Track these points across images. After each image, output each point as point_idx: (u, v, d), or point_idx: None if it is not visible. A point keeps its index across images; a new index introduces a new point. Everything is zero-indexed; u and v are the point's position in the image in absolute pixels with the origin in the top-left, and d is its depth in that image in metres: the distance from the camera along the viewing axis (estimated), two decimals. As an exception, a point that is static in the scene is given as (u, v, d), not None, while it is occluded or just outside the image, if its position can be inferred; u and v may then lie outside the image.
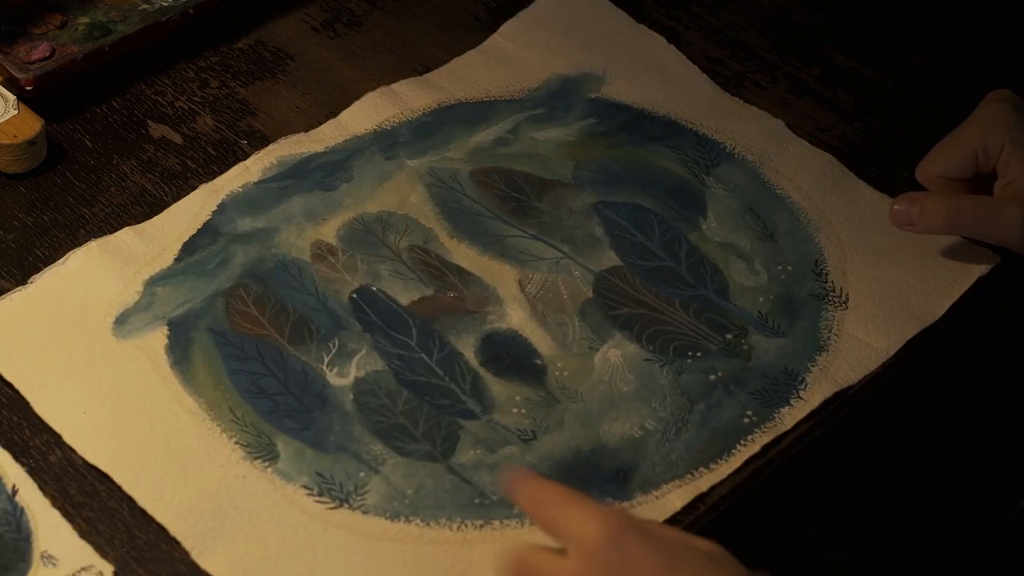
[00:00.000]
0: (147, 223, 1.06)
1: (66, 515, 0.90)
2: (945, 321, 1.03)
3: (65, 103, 1.13)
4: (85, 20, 1.14)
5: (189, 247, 1.04)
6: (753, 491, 0.95)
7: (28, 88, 1.09)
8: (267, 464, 0.93)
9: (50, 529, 0.90)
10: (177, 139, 1.12)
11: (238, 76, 1.17)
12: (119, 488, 0.92)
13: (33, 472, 0.92)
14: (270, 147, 1.11)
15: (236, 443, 0.94)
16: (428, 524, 0.91)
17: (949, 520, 1.25)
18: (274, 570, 0.89)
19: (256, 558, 0.89)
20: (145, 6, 1.15)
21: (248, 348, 0.99)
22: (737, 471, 0.95)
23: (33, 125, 1.07)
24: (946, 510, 1.25)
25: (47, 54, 1.11)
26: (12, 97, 1.08)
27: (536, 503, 0.85)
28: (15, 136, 1.06)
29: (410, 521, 0.91)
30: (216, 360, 0.98)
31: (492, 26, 1.21)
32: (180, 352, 0.98)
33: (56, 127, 1.12)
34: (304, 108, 1.14)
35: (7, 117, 1.07)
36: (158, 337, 0.99)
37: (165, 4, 1.15)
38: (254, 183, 1.08)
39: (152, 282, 1.02)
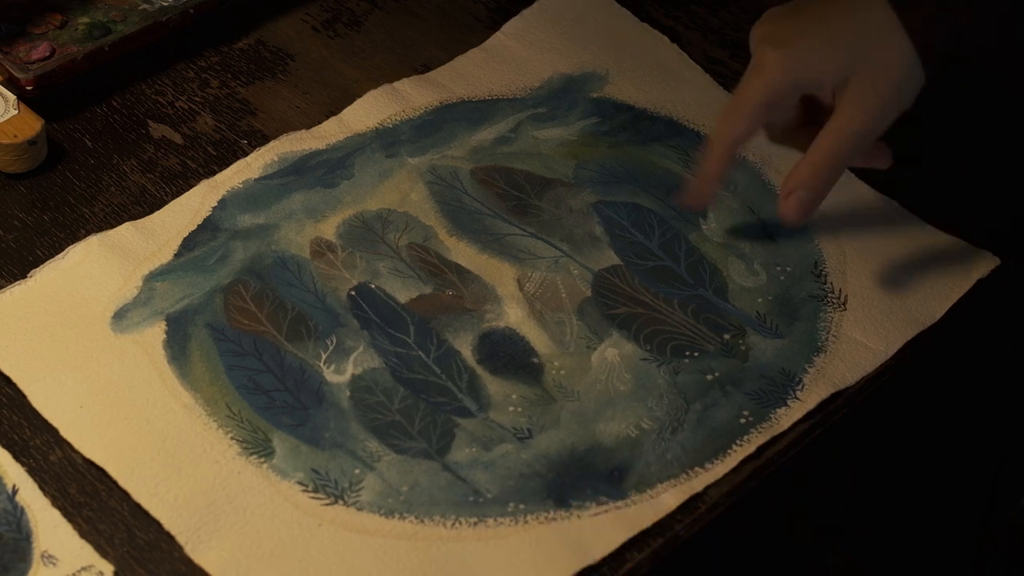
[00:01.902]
0: (147, 218, 1.06)
1: (66, 515, 0.91)
2: (944, 321, 1.03)
3: (65, 103, 1.13)
4: (85, 20, 1.15)
5: (189, 243, 1.05)
6: (753, 491, 0.95)
7: (28, 88, 1.10)
8: (262, 460, 0.93)
9: (50, 529, 0.90)
10: (177, 139, 1.12)
11: (238, 76, 1.17)
12: (119, 488, 0.92)
13: (33, 472, 0.92)
14: (271, 144, 1.11)
15: (232, 439, 0.94)
16: (422, 521, 0.91)
17: (949, 520, 1.25)
18: (268, 566, 0.89)
19: (250, 554, 0.89)
20: (145, 6, 1.15)
21: (246, 344, 0.99)
22: (737, 471, 0.95)
23: (33, 125, 1.07)
24: (946, 510, 1.25)
25: (47, 54, 1.12)
26: (12, 97, 1.08)
27: None
28: (15, 136, 1.07)
29: (404, 518, 0.91)
30: (213, 356, 0.98)
31: (492, 26, 1.21)
32: (178, 347, 0.98)
33: (56, 127, 1.12)
34: (304, 108, 1.14)
35: (7, 117, 1.07)
36: (156, 332, 0.99)
37: (165, 4, 1.16)
38: (255, 179, 1.09)
39: (151, 277, 1.02)
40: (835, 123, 0.97)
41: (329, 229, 1.06)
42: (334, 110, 1.14)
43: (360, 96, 1.15)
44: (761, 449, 0.96)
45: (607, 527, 0.92)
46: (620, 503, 0.93)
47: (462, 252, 1.05)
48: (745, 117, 0.98)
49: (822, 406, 0.98)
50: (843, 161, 0.98)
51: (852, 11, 0.96)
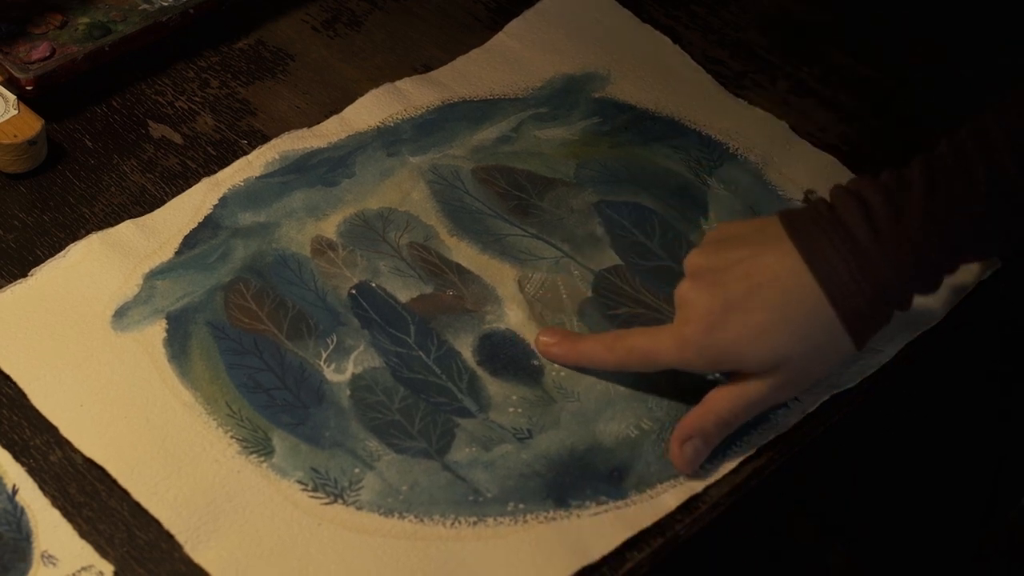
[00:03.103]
0: (148, 216, 1.06)
1: (66, 515, 0.91)
2: (945, 322, 1.03)
3: (65, 103, 1.13)
4: (85, 20, 1.15)
5: (190, 240, 1.05)
6: (753, 491, 0.95)
7: (28, 88, 1.09)
8: (262, 459, 0.93)
9: (50, 529, 0.90)
10: (177, 139, 1.12)
11: (238, 76, 1.17)
12: (119, 488, 0.92)
13: (33, 472, 0.92)
14: (273, 142, 1.11)
15: (232, 438, 0.94)
16: (422, 521, 0.91)
17: (949, 520, 1.25)
18: (267, 565, 0.89)
19: (250, 553, 0.89)
20: (145, 6, 1.16)
21: (246, 343, 0.99)
22: (737, 471, 0.95)
23: (33, 125, 1.07)
24: (946, 510, 1.25)
25: (47, 54, 1.12)
26: (12, 97, 1.08)
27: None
28: (15, 136, 1.07)
29: (404, 517, 0.91)
30: (214, 354, 0.98)
31: (492, 26, 1.21)
32: (178, 346, 0.98)
33: (56, 127, 1.12)
34: (304, 108, 1.14)
35: (7, 117, 1.07)
36: (156, 331, 0.99)
37: (165, 4, 1.16)
38: (256, 177, 1.09)
39: (152, 275, 1.02)
40: (748, 387, 0.94)
41: (330, 227, 1.06)
42: (334, 110, 1.14)
43: (360, 96, 1.15)
44: (761, 449, 0.96)
45: (607, 527, 0.91)
46: (620, 503, 0.93)
47: (463, 252, 1.05)
48: (633, 363, 0.97)
49: (822, 407, 0.98)
50: (745, 419, 0.95)
51: (783, 289, 0.92)
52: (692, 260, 0.96)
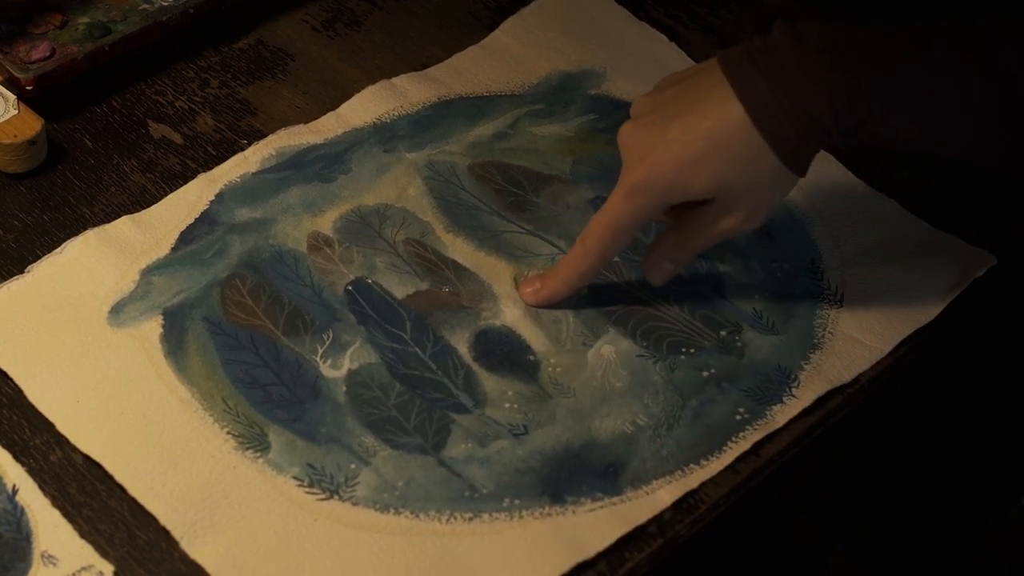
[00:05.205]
0: (144, 212, 1.06)
1: (66, 515, 0.91)
2: (942, 320, 1.03)
3: (65, 103, 1.13)
4: (85, 20, 1.15)
5: (186, 236, 1.05)
6: (752, 491, 0.95)
7: (28, 88, 1.10)
8: (258, 455, 0.93)
9: (50, 529, 0.90)
10: (177, 139, 1.12)
11: (238, 76, 1.17)
12: (119, 488, 0.92)
13: (33, 472, 0.92)
14: (269, 138, 1.11)
15: (228, 433, 0.94)
16: (417, 516, 0.91)
17: (949, 520, 1.25)
18: (263, 560, 0.89)
19: (246, 548, 0.89)
20: (145, 6, 1.16)
21: (242, 338, 0.99)
22: (737, 471, 0.95)
23: (33, 125, 1.08)
24: (946, 510, 1.25)
25: (47, 54, 1.12)
26: (12, 97, 1.09)
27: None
28: (15, 136, 1.07)
29: (399, 513, 0.91)
30: (210, 350, 0.98)
31: (492, 26, 1.21)
32: (174, 341, 0.99)
33: (56, 127, 1.12)
34: (304, 108, 1.15)
35: (7, 117, 1.08)
36: (153, 326, 0.99)
37: (165, 4, 1.16)
38: (252, 173, 1.09)
39: (148, 271, 1.02)
40: (710, 217, 0.96)
41: (326, 223, 1.06)
42: (334, 110, 1.14)
43: (358, 94, 1.15)
44: (761, 449, 0.96)
45: (602, 523, 0.91)
46: (615, 499, 0.93)
47: (459, 248, 1.05)
48: (610, 244, 0.98)
49: (819, 403, 0.98)
50: (705, 244, 0.98)
51: (715, 118, 0.93)
52: (635, 105, 0.98)
